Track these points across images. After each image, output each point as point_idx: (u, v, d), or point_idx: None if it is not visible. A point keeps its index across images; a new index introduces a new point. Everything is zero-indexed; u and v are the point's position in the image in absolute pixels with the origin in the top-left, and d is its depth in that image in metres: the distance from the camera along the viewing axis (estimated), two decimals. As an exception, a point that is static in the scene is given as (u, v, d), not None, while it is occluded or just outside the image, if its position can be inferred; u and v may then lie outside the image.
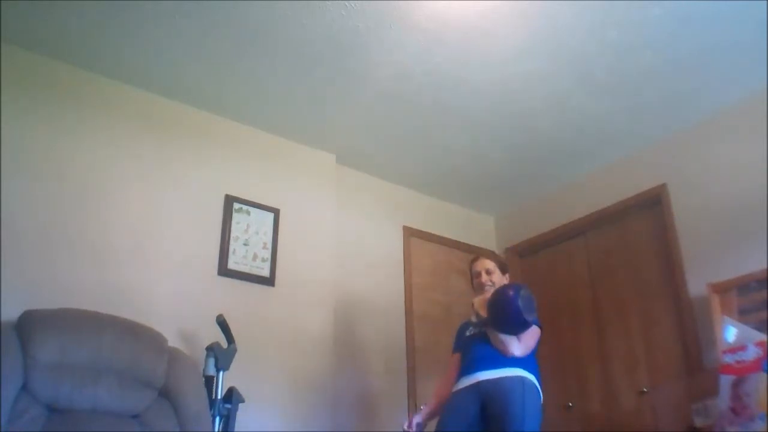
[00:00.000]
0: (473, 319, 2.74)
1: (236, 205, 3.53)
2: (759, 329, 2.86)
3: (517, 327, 2.48)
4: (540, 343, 2.66)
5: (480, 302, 2.68)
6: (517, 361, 2.51)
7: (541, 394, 2.55)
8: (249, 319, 3.31)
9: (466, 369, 2.64)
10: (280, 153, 3.85)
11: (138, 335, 2.66)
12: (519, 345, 2.53)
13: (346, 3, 2.80)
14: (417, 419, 2.76)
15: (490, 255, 2.94)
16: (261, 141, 3.79)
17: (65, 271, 2.87)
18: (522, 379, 2.47)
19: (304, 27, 2.94)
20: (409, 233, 4.45)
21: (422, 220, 4.55)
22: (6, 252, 2.72)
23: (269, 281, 3.51)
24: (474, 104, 3.55)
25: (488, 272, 2.84)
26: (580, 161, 4.21)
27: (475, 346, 2.66)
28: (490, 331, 2.59)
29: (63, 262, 2.88)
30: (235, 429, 2.80)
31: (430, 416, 2.80)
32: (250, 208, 3.59)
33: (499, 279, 2.83)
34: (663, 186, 3.81)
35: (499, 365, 2.51)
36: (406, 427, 2.75)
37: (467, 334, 2.80)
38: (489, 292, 2.67)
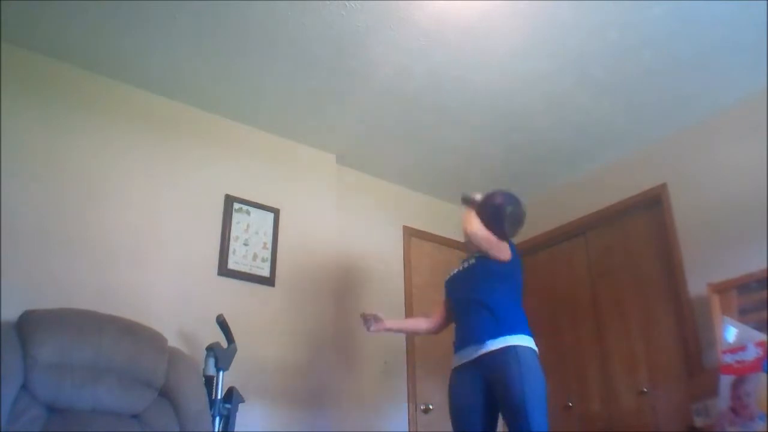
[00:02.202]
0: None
1: (236, 205, 3.53)
2: (759, 329, 2.85)
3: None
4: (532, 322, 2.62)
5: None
6: (504, 327, 2.46)
7: (536, 348, 2.49)
8: (249, 319, 3.31)
9: (458, 342, 2.65)
10: (280, 153, 3.85)
11: (138, 335, 2.66)
12: (479, 228, 2.60)
13: (346, 3, 2.80)
14: (382, 325, 2.82)
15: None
16: (261, 141, 3.79)
17: (65, 271, 2.87)
18: (515, 349, 2.41)
19: (304, 27, 2.94)
20: (409, 233, 4.45)
21: (422, 220, 4.55)
22: (6, 252, 2.72)
23: (269, 281, 3.51)
24: (474, 104, 3.55)
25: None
26: (580, 161, 4.21)
27: (458, 304, 2.72)
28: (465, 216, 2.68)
29: (63, 262, 2.88)
30: (235, 429, 2.80)
31: (389, 328, 2.89)
32: (250, 208, 3.59)
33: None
34: (663, 186, 3.81)
35: (489, 336, 2.46)
36: (370, 328, 2.82)
37: (447, 277, 2.85)
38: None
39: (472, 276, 2.68)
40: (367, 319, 2.83)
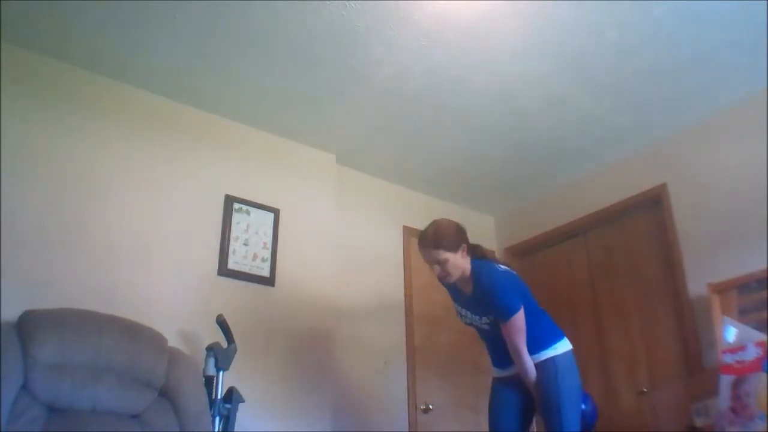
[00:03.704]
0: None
1: (236, 205, 3.53)
2: (759, 329, 2.85)
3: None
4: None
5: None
6: (538, 344, 2.49)
7: (570, 347, 2.52)
8: (249, 319, 3.31)
9: (497, 361, 2.65)
10: (280, 153, 3.85)
11: (138, 335, 2.66)
12: (518, 352, 2.46)
13: (346, 3, 2.80)
14: None
15: (431, 242, 2.51)
16: (261, 141, 3.79)
17: (65, 271, 2.87)
18: (553, 359, 2.48)
19: (304, 27, 2.94)
20: (409, 233, 4.44)
21: (422, 220, 4.50)
22: (6, 252, 2.72)
23: (269, 281, 3.51)
24: (474, 104, 3.55)
25: (440, 263, 2.48)
26: (580, 161, 4.21)
27: (485, 339, 2.67)
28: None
29: (63, 262, 2.88)
30: (235, 429, 2.80)
31: None
32: (250, 208, 3.59)
33: (456, 262, 2.49)
34: (663, 186, 3.81)
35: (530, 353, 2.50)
36: None
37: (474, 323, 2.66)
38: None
39: (495, 330, 2.53)
40: None
